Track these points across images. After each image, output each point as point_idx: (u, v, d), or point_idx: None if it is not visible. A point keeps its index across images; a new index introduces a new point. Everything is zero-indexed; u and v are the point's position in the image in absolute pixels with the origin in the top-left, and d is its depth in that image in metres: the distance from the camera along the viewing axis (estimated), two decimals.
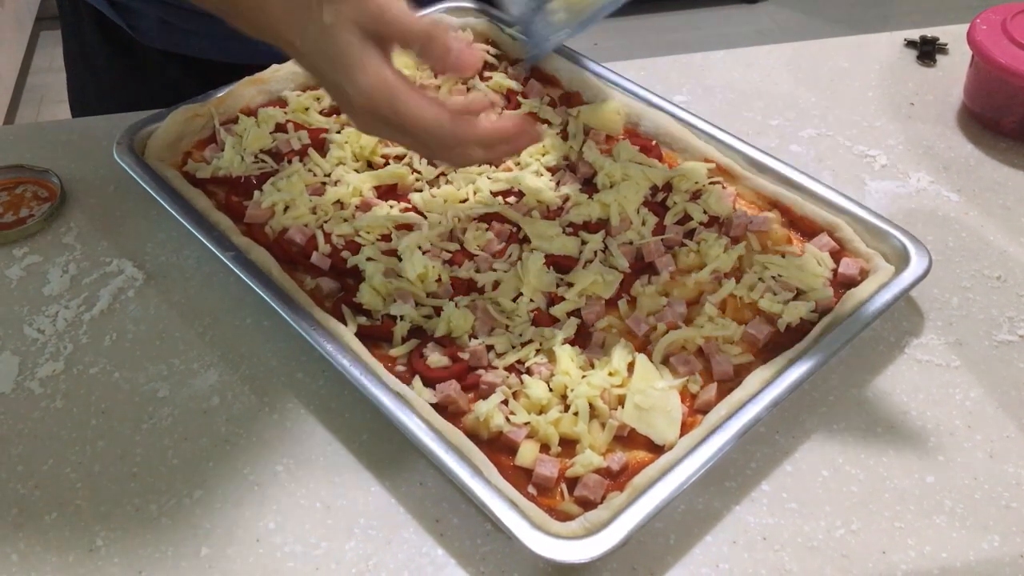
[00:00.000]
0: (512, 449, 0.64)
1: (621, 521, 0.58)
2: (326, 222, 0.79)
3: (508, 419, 0.65)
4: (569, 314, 0.73)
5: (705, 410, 0.65)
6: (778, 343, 0.71)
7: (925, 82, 1.03)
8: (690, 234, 0.79)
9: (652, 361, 0.69)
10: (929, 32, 1.08)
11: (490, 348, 0.70)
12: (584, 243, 0.78)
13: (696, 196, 0.82)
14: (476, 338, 0.71)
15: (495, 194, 0.83)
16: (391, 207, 0.81)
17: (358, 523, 0.63)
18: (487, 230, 0.79)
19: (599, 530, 0.57)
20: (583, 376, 0.67)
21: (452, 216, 0.80)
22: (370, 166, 0.86)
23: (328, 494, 0.64)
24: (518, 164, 0.86)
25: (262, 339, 0.74)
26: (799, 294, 0.74)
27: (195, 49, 1.00)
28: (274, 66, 0.93)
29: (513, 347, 0.70)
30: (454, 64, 0.63)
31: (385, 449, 0.67)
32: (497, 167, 0.86)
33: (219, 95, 0.90)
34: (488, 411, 0.64)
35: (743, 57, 1.07)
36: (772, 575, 0.60)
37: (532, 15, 0.68)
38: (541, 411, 0.66)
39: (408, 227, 0.79)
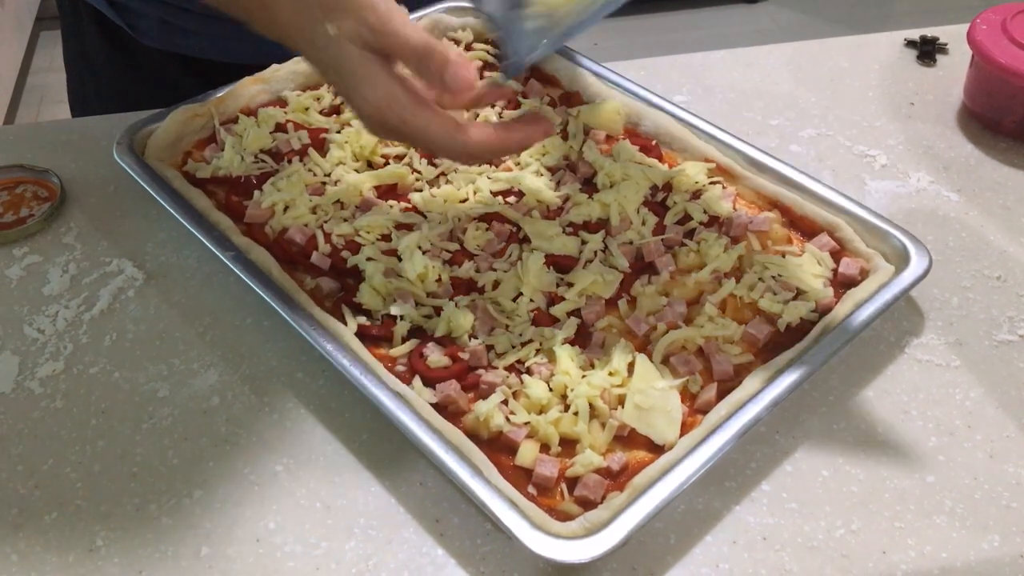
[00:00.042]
0: (512, 449, 0.64)
1: (621, 521, 0.58)
2: (326, 222, 0.79)
3: (508, 419, 0.65)
4: (569, 314, 0.73)
5: (705, 410, 0.65)
6: (778, 343, 0.71)
7: (925, 82, 1.03)
8: (690, 234, 0.79)
9: (652, 361, 0.69)
10: (929, 32, 1.08)
11: (490, 348, 0.70)
12: (584, 243, 0.78)
13: (696, 196, 0.82)
14: (476, 338, 0.71)
15: (495, 194, 0.83)
16: (391, 207, 0.81)
17: (358, 523, 0.63)
18: (487, 230, 0.79)
19: (599, 530, 0.57)
20: (583, 376, 0.67)
21: (452, 216, 0.80)
22: (370, 166, 0.86)
23: (328, 494, 0.64)
24: (518, 164, 0.86)
25: (262, 339, 0.74)
26: (799, 294, 0.74)
27: (195, 49, 1.00)
28: (274, 66, 0.93)
29: (513, 347, 0.70)
30: (450, 81, 0.64)
31: (385, 449, 0.67)
32: (497, 167, 0.86)
33: (219, 95, 0.90)
34: (488, 411, 0.64)
35: (743, 57, 1.07)
36: (772, 575, 0.60)
37: (510, 17, 0.67)
38: (541, 411, 0.66)
39: (408, 227, 0.79)
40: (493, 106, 0.90)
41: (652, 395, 0.66)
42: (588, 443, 0.64)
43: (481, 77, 0.95)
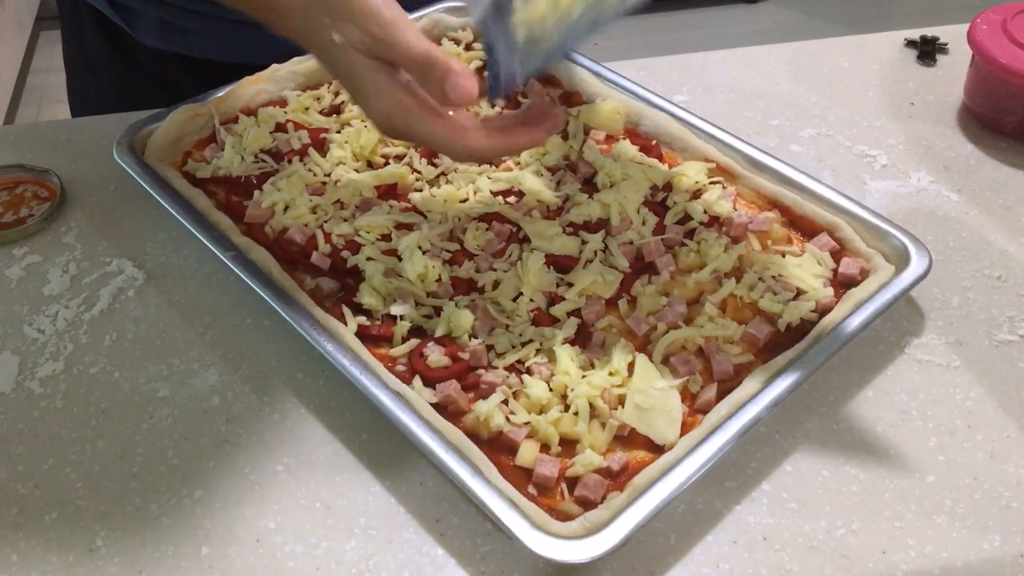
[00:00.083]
0: (512, 449, 0.64)
1: (621, 521, 0.58)
2: (326, 222, 0.79)
3: (508, 419, 0.65)
4: (569, 314, 0.73)
5: (705, 410, 0.65)
6: (778, 343, 0.71)
7: (925, 82, 1.03)
8: (690, 234, 0.79)
9: (652, 361, 0.69)
10: (929, 32, 1.08)
11: (490, 348, 0.70)
12: (584, 243, 0.78)
13: (696, 196, 0.82)
14: (476, 338, 0.71)
15: (495, 194, 0.83)
16: (391, 207, 0.81)
17: (358, 523, 0.63)
18: (487, 230, 0.79)
19: (599, 530, 0.57)
20: (583, 376, 0.67)
21: (452, 216, 0.80)
22: (370, 166, 0.86)
23: (328, 494, 0.64)
24: (518, 164, 0.86)
25: (262, 339, 0.74)
26: (799, 294, 0.74)
27: (195, 49, 1.00)
28: (274, 66, 0.93)
29: (513, 347, 0.70)
30: (450, 92, 0.65)
31: (385, 449, 0.67)
32: (497, 167, 0.86)
33: (219, 95, 0.90)
34: (488, 411, 0.64)
35: (743, 57, 1.07)
36: (772, 575, 0.60)
37: (494, 30, 0.67)
38: (541, 411, 0.66)
39: (408, 227, 0.79)
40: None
41: (652, 395, 0.66)
42: (588, 443, 0.64)
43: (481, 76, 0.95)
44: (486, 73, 0.68)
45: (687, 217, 0.80)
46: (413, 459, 0.66)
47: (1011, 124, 0.93)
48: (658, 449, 0.64)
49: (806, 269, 0.75)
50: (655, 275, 0.76)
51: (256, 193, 0.81)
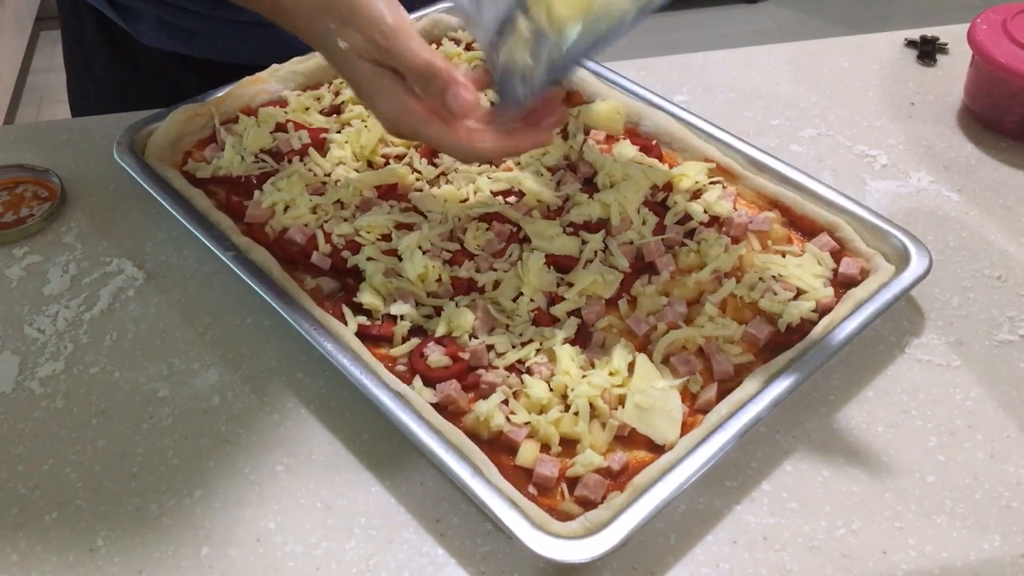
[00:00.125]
0: (512, 449, 0.64)
1: (621, 521, 0.58)
2: (326, 222, 0.79)
3: (508, 419, 0.65)
4: (569, 314, 0.73)
5: (705, 410, 0.65)
6: (778, 343, 0.71)
7: (925, 82, 1.03)
8: (690, 234, 0.79)
9: (652, 361, 0.69)
10: (929, 32, 1.08)
11: (490, 348, 0.70)
12: (584, 243, 0.78)
13: (696, 196, 0.82)
14: (476, 338, 0.71)
15: (495, 194, 0.83)
16: (391, 207, 0.81)
17: (358, 523, 0.63)
18: (487, 230, 0.79)
19: (599, 530, 0.57)
20: (583, 376, 0.67)
21: (452, 216, 0.80)
22: (370, 166, 0.86)
23: (328, 494, 0.64)
24: (518, 164, 0.86)
25: (262, 339, 0.74)
26: (799, 294, 0.74)
27: (195, 49, 1.00)
28: (274, 66, 0.93)
29: (513, 347, 0.70)
30: (450, 103, 0.66)
31: (385, 449, 0.67)
32: (497, 167, 0.86)
33: (219, 95, 0.90)
34: (488, 411, 0.64)
35: (743, 57, 1.07)
36: (773, 575, 0.60)
37: (499, 52, 0.67)
38: (541, 411, 0.66)
39: (408, 227, 0.79)
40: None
41: (652, 395, 0.66)
42: (588, 443, 0.64)
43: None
44: (494, 92, 0.68)
45: (687, 217, 0.80)
46: (413, 459, 0.66)
47: (1011, 124, 0.93)
48: (658, 449, 0.64)
49: (806, 269, 0.75)
50: (655, 275, 0.76)
51: (256, 193, 0.81)
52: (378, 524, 0.63)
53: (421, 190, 0.83)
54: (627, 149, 0.86)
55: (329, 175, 0.84)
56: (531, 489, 0.62)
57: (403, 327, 0.71)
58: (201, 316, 0.76)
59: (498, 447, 0.64)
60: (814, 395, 0.70)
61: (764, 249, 0.78)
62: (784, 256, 0.77)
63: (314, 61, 0.94)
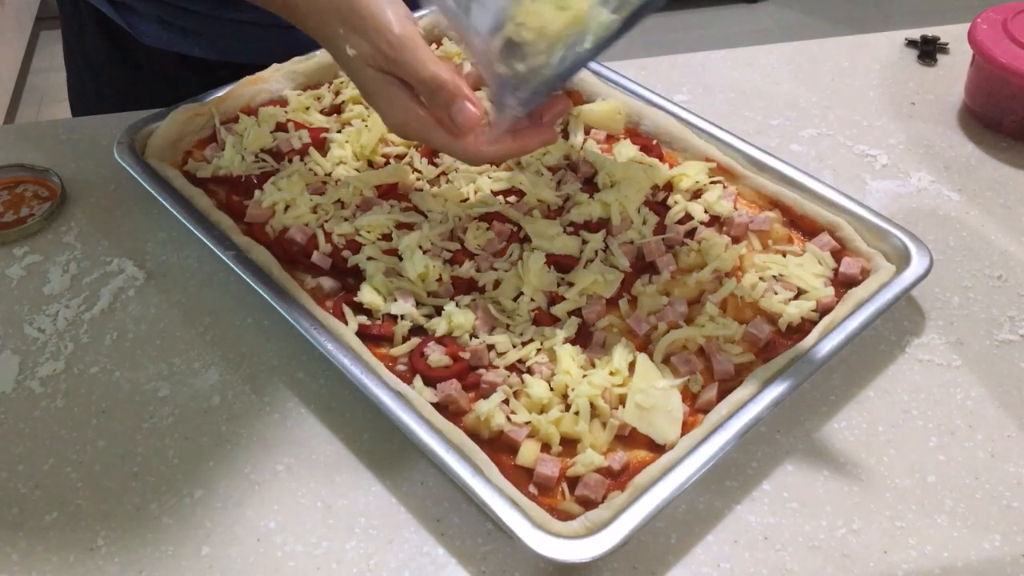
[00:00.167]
0: (513, 448, 0.64)
1: (622, 520, 0.58)
2: (327, 221, 0.79)
3: (509, 418, 0.65)
4: (570, 313, 0.73)
5: (706, 409, 0.65)
6: (779, 342, 0.71)
7: (926, 81, 1.03)
8: (691, 233, 0.79)
9: (653, 360, 0.69)
10: (930, 31, 1.08)
11: (491, 347, 0.70)
12: (585, 242, 0.78)
13: (697, 195, 0.83)
14: (477, 337, 0.71)
15: (496, 193, 0.83)
16: (392, 206, 0.81)
17: (359, 522, 0.63)
18: (488, 229, 0.79)
19: (600, 529, 0.57)
20: (584, 375, 0.67)
21: (453, 215, 0.80)
22: (371, 165, 0.86)
23: (329, 493, 0.64)
24: (519, 164, 0.86)
25: (263, 338, 0.74)
26: (800, 293, 0.74)
27: (195, 49, 1.00)
28: (274, 65, 0.93)
29: (514, 346, 0.70)
30: (455, 116, 0.66)
31: (386, 448, 0.67)
32: (498, 166, 0.86)
33: (219, 94, 0.90)
34: (489, 410, 0.64)
35: (744, 57, 1.07)
36: (773, 575, 0.60)
37: (492, 70, 0.67)
38: (542, 410, 0.66)
39: (409, 226, 0.79)
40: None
41: (653, 394, 0.66)
42: (589, 442, 0.64)
43: None
44: (489, 100, 0.68)
45: (688, 217, 0.80)
46: (414, 459, 0.66)
47: (1012, 124, 0.93)
48: (659, 449, 0.64)
49: (807, 269, 0.75)
50: (656, 275, 0.76)
51: (257, 193, 0.81)
52: (378, 524, 0.63)
53: (421, 189, 0.83)
54: (627, 149, 0.86)
55: (329, 175, 0.84)
56: (532, 489, 0.62)
57: (403, 327, 0.71)
58: (201, 316, 0.76)
59: (499, 447, 0.64)
60: (814, 395, 0.70)
61: (765, 249, 0.78)
62: (785, 256, 0.77)
63: (314, 61, 0.94)
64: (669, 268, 0.76)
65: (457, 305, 0.72)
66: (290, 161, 0.85)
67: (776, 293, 0.74)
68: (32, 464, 0.66)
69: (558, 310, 0.73)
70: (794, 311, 0.72)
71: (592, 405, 0.65)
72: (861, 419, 0.69)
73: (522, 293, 0.74)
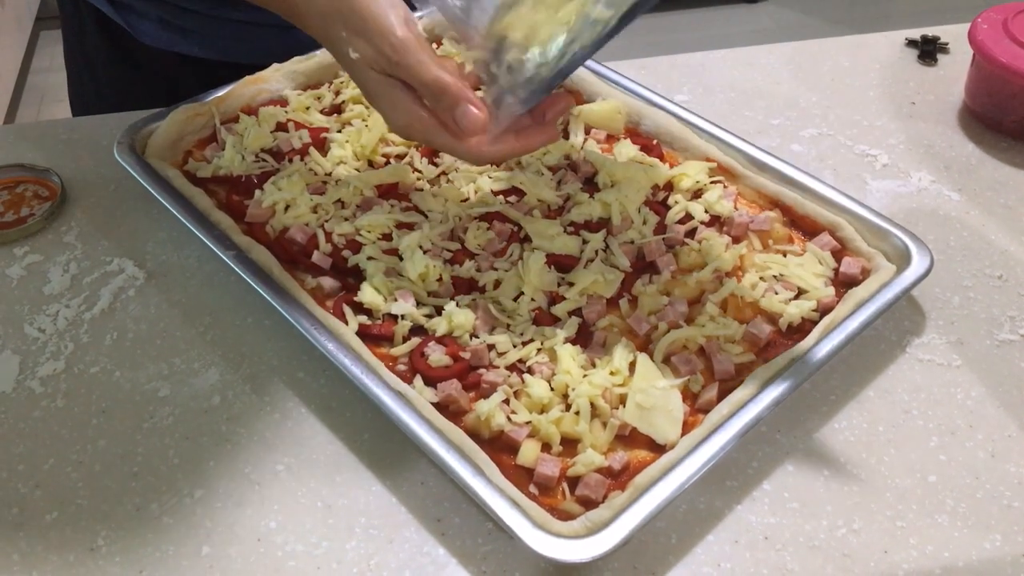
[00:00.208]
0: (513, 448, 0.64)
1: (623, 520, 0.58)
2: (327, 221, 0.79)
3: (509, 418, 0.65)
4: (570, 313, 0.73)
5: (706, 409, 0.65)
6: (779, 342, 0.71)
7: (926, 81, 1.03)
8: (691, 233, 0.79)
9: (653, 360, 0.69)
10: (930, 31, 1.08)
11: (491, 347, 0.70)
12: (585, 242, 0.78)
13: (697, 195, 0.83)
14: (477, 337, 0.71)
15: (496, 193, 0.83)
16: (392, 206, 0.81)
17: (359, 522, 0.63)
18: (488, 229, 0.79)
19: (601, 529, 0.57)
20: (584, 375, 0.67)
21: (453, 215, 0.80)
22: (371, 165, 0.86)
23: (329, 493, 0.64)
24: (519, 163, 0.86)
25: (263, 338, 0.74)
26: (800, 293, 0.74)
27: (195, 49, 1.00)
28: (274, 65, 0.93)
29: (514, 346, 0.70)
30: (459, 120, 0.66)
31: (386, 448, 0.67)
32: (499, 166, 0.86)
33: (219, 94, 0.90)
34: (489, 410, 0.64)
35: (744, 57, 1.07)
36: (774, 574, 0.60)
37: (490, 69, 0.68)
38: (542, 410, 0.66)
39: (409, 226, 0.79)
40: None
41: (653, 394, 0.65)
42: (589, 442, 0.64)
43: None
44: (487, 100, 0.68)
45: (688, 217, 0.80)
46: (414, 458, 0.66)
47: (1012, 123, 0.93)
48: (659, 448, 0.64)
49: (807, 268, 0.75)
50: (656, 274, 0.76)
51: (257, 192, 0.81)
52: (379, 524, 0.63)
53: (422, 189, 0.83)
54: (628, 148, 0.86)
55: (330, 174, 0.84)
56: (532, 489, 0.62)
57: (404, 326, 0.71)
58: (202, 315, 0.76)
59: (499, 447, 0.64)
60: (815, 395, 0.70)
61: (765, 249, 0.78)
62: (785, 256, 0.77)
63: (315, 60, 0.94)
64: (669, 268, 0.76)
65: (457, 305, 0.72)
66: (290, 161, 0.85)
67: (776, 293, 0.74)
68: (32, 464, 0.66)
69: (558, 310, 0.73)
70: (794, 311, 0.72)
71: (592, 405, 0.65)
72: (861, 419, 0.69)
73: (522, 293, 0.74)
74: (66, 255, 0.81)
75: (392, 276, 0.74)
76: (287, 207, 0.80)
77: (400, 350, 0.70)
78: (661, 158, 0.87)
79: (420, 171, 0.85)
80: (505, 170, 0.85)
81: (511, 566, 0.60)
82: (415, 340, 0.71)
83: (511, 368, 0.69)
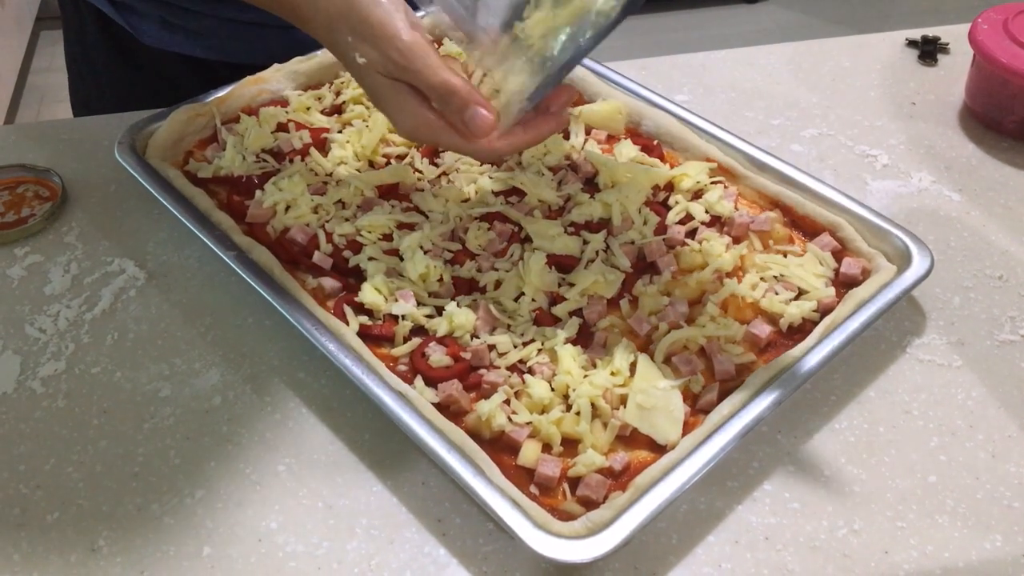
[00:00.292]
0: (514, 449, 0.64)
1: (623, 521, 0.58)
2: (328, 221, 0.79)
3: (510, 419, 0.65)
4: (571, 314, 0.73)
5: (707, 410, 0.65)
6: (780, 343, 0.71)
7: (926, 82, 1.03)
8: (692, 233, 0.79)
9: (654, 361, 0.69)
10: (930, 32, 1.08)
11: (492, 348, 0.70)
12: (586, 243, 0.78)
13: (698, 196, 0.83)
14: (478, 337, 0.71)
15: (497, 193, 0.83)
16: (393, 206, 0.81)
17: (360, 523, 0.63)
18: (489, 229, 0.79)
19: (601, 530, 0.57)
20: (585, 376, 0.67)
21: (454, 215, 0.80)
22: (372, 165, 0.86)
23: (330, 494, 0.64)
24: (519, 163, 0.86)
25: (264, 339, 0.74)
26: (801, 294, 0.74)
27: (196, 49, 1.00)
28: (275, 65, 0.93)
29: (515, 346, 0.70)
30: (469, 123, 0.66)
31: (387, 449, 0.67)
32: (499, 166, 0.86)
33: (220, 94, 0.90)
34: (490, 411, 0.64)
35: (744, 57, 1.07)
36: (774, 575, 0.60)
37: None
38: (543, 411, 0.66)
39: (410, 226, 0.79)
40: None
41: (654, 395, 0.66)
42: (590, 443, 0.64)
43: None
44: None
45: (689, 217, 0.81)
46: (415, 459, 0.66)
47: (1012, 124, 0.93)
48: (660, 449, 0.64)
49: (808, 269, 0.75)
50: (657, 275, 0.76)
51: (258, 193, 0.81)
52: (380, 524, 0.63)
53: (423, 190, 0.83)
54: (628, 149, 0.86)
55: (330, 175, 0.84)
56: (533, 489, 0.62)
57: (404, 327, 0.71)
58: (202, 316, 0.76)
59: (500, 447, 0.64)
60: (815, 395, 0.70)
61: (765, 249, 0.78)
62: (785, 256, 0.77)
63: (315, 61, 0.94)
64: (670, 268, 0.76)
65: (458, 305, 0.72)
66: (291, 161, 0.85)
67: (777, 293, 0.74)
68: (33, 464, 0.66)
69: (559, 310, 0.73)
70: (795, 311, 0.72)
71: (593, 405, 0.65)
72: (862, 419, 0.69)
73: (523, 293, 0.74)
74: (67, 255, 0.81)
75: (393, 276, 0.74)
76: (288, 207, 0.80)
77: (401, 350, 0.70)
78: (662, 158, 0.87)
79: (421, 171, 0.85)
80: (506, 170, 0.85)
81: (512, 566, 0.60)
82: (416, 340, 0.71)
83: (512, 368, 0.69)
